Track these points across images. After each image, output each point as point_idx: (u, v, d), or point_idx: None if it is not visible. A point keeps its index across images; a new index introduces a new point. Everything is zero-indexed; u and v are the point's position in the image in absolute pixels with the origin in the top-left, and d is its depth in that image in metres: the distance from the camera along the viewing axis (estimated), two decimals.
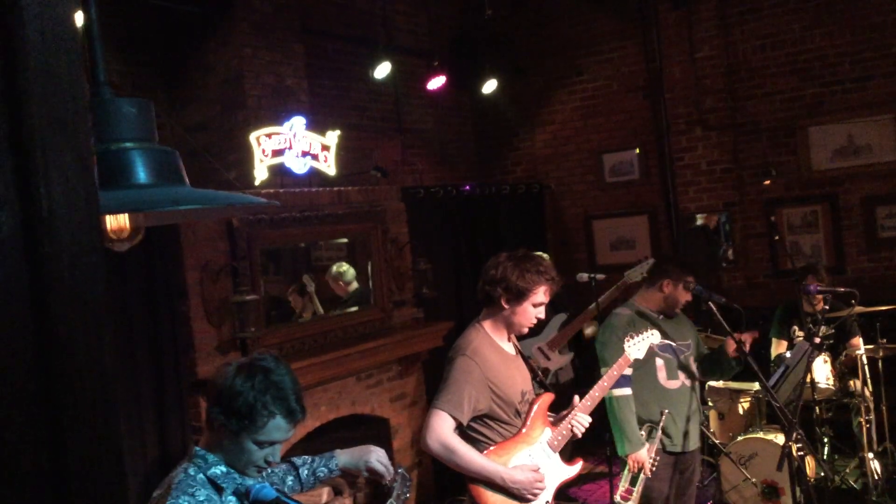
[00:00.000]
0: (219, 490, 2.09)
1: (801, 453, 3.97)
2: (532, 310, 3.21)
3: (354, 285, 5.88)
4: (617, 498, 4.04)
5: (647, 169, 7.60)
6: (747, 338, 4.03)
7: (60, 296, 0.51)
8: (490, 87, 7.42)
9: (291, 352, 5.07)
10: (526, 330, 3.31)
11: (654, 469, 3.97)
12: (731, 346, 4.05)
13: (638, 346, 3.80)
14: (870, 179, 6.72)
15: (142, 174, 1.31)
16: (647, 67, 7.53)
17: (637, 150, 7.62)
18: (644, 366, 4.05)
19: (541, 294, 3.21)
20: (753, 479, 5.28)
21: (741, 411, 5.78)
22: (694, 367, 4.25)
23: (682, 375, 4.15)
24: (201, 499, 2.03)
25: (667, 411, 4.02)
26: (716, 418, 5.81)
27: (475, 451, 3.11)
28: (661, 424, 4.02)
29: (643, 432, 4.03)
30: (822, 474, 5.41)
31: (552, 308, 6.02)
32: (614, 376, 3.65)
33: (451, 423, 3.07)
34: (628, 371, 3.96)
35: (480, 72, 7.38)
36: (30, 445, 0.50)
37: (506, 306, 3.19)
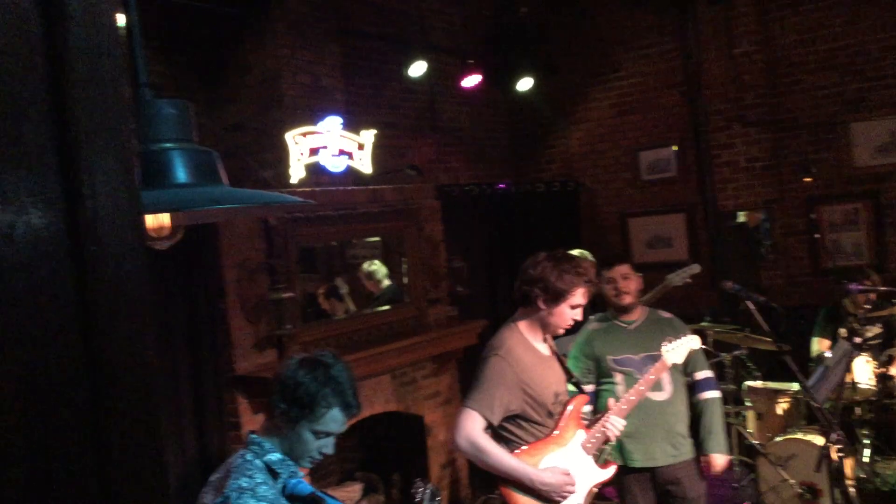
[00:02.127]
0: (274, 476, 2.19)
1: (841, 454, 3.91)
2: (569, 311, 3.16)
3: (386, 283, 5.91)
4: None
5: (685, 166, 7.53)
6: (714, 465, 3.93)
7: (105, 294, 0.53)
8: (525, 84, 7.40)
9: (327, 349, 5.10)
10: (562, 331, 3.26)
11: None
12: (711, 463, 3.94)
13: (676, 350, 3.70)
14: None
15: (181, 174, 1.34)
16: (684, 63, 7.45)
17: (674, 148, 7.55)
18: (605, 382, 3.91)
19: (579, 296, 3.15)
20: (792, 481, 5.20)
21: (780, 411, 5.71)
22: (668, 379, 3.90)
23: (668, 387, 3.88)
24: (259, 480, 2.15)
25: (620, 429, 3.55)
26: (754, 418, 5.74)
27: (505, 452, 3.08)
28: (608, 445, 3.59)
29: (607, 448, 3.62)
30: (863, 476, 5.32)
31: (590, 308, 6.00)
32: (651, 381, 3.59)
33: (481, 423, 3.05)
34: (590, 388, 3.85)
35: (515, 69, 7.37)
36: (75, 442, 0.52)
37: (542, 307, 3.15)
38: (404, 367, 5.69)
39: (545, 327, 3.23)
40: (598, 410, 3.76)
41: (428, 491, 2.69)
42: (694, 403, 4.03)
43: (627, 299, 3.98)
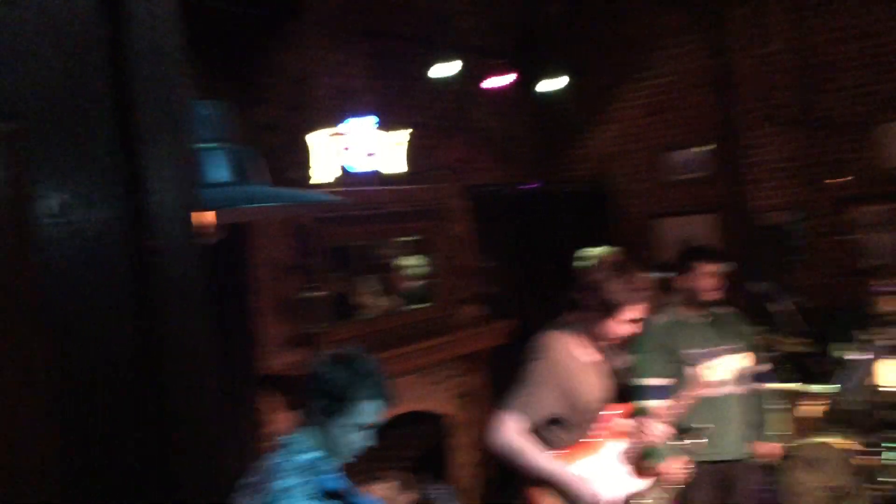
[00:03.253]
0: (315, 474, 2.20)
1: (872, 458, 3.87)
2: (622, 326, 3.07)
3: (419, 282, 5.96)
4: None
5: (715, 166, 7.47)
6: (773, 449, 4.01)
7: (164, 286, 0.55)
8: (554, 84, 7.39)
9: None
10: (612, 342, 3.20)
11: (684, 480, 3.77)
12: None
13: (714, 370, 3.65)
14: None
15: (223, 173, 1.37)
16: (714, 62, 7.39)
17: (704, 148, 7.49)
18: (679, 375, 3.87)
19: (635, 311, 3.05)
20: (820, 484, 5.15)
21: (809, 415, 5.64)
22: (743, 371, 4.00)
23: (728, 382, 3.89)
24: (301, 480, 2.16)
25: (711, 426, 3.76)
26: (781, 421, 5.67)
27: (541, 454, 3.04)
28: (703, 437, 3.75)
29: (687, 443, 3.77)
30: (891, 479, 5.25)
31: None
32: (691, 398, 3.54)
33: (518, 425, 3.03)
34: (663, 382, 3.85)
35: (544, 70, 7.36)
36: (135, 429, 0.55)
37: (594, 315, 3.06)
38: (433, 367, 5.71)
39: (595, 336, 3.15)
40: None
41: (444, 492, 2.72)
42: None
43: (717, 295, 3.99)
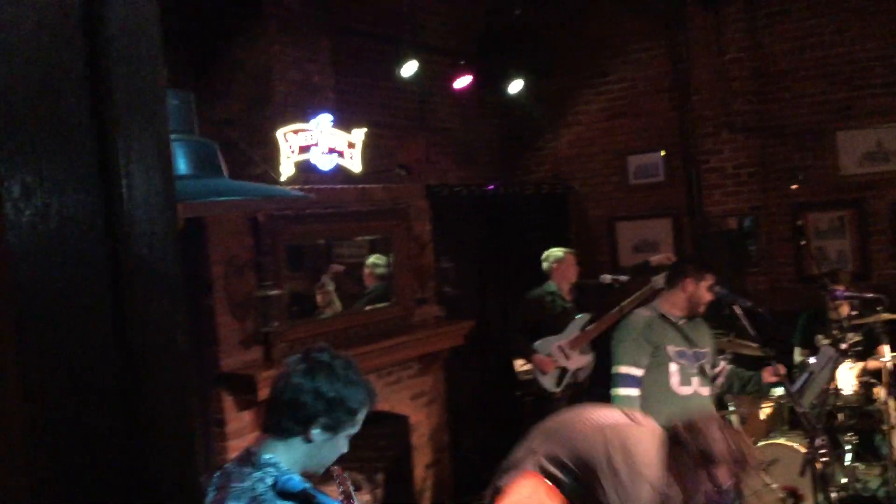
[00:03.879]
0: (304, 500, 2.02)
1: (825, 460, 3.94)
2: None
3: (379, 281, 5.93)
4: None
5: (672, 171, 7.56)
6: (782, 370, 4.15)
7: (137, 276, 0.52)
8: (516, 87, 7.41)
9: None
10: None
11: None
12: (767, 375, 4.15)
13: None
14: None
15: (182, 165, 1.33)
16: (674, 69, 7.49)
17: (662, 153, 7.58)
18: (657, 370, 4.06)
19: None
20: (774, 485, 5.23)
21: (763, 416, 5.74)
22: (710, 374, 4.23)
23: (695, 382, 4.12)
24: None
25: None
26: (737, 423, 5.76)
27: None
28: None
29: None
30: (844, 482, 5.36)
31: (576, 308, 6.03)
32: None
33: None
34: (639, 373, 4.02)
35: (506, 71, 7.38)
36: (107, 422, 0.51)
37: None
38: (390, 367, 5.67)
39: None
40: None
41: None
42: (720, 388, 4.43)
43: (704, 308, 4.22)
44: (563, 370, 5.86)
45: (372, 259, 5.94)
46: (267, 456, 2.08)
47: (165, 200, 0.54)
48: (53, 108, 0.49)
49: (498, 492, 2.88)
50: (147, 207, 0.53)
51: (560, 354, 5.85)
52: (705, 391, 4.18)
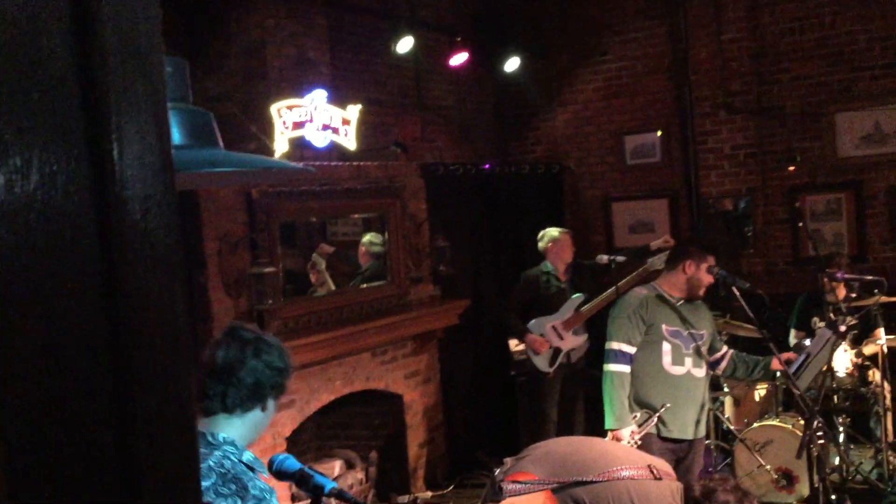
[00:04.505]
0: (252, 471, 2.08)
1: (821, 442, 3.94)
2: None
3: (374, 259, 5.88)
4: None
5: (669, 152, 7.51)
6: (792, 357, 4.19)
7: (132, 243, 0.47)
8: (512, 64, 7.34)
9: (308, 325, 5.06)
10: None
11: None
12: (776, 363, 4.16)
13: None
14: None
15: (175, 135, 1.27)
16: (672, 48, 7.42)
17: (659, 133, 7.53)
18: (650, 348, 4.08)
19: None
20: (768, 466, 5.24)
21: (757, 398, 5.74)
22: (706, 356, 4.23)
23: (688, 363, 4.13)
24: (261, 484, 2.04)
25: (667, 404, 4.00)
26: (731, 404, 5.77)
27: None
28: (659, 414, 4.00)
29: (638, 415, 4.03)
30: (837, 464, 5.37)
31: (571, 288, 6.00)
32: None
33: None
34: (631, 350, 4.06)
35: (503, 49, 7.30)
36: (94, 404, 0.46)
37: None
38: (385, 346, 5.65)
39: None
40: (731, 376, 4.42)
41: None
42: (722, 373, 4.46)
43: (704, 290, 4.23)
44: (557, 350, 5.83)
45: (367, 237, 5.89)
46: (223, 435, 2.10)
47: (162, 160, 0.48)
48: (33, 52, 0.44)
49: (504, 494, 2.88)
50: (141, 167, 0.48)
51: (553, 335, 5.81)
52: (699, 373, 4.18)
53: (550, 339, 5.81)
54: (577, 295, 5.94)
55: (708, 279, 4.13)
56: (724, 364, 4.37)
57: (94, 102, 0.46)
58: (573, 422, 5.96)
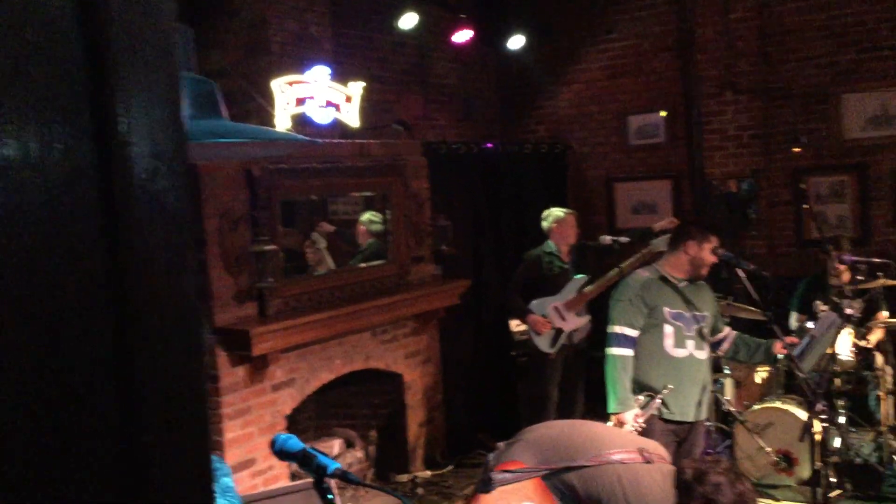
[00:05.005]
0: None
1: (824, 425, 3.92)
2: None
3: (372, 238, 5.84)
4: None
5: (674, 132, 7.45)
6: (795, 341, 4.20)
7: (138, 207, 0.43)
8: (516, 43, 7.26)
9: (308, 304, 5.03)
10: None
11: (636, 431, 3.94)
12: (779, 346, 4.15)
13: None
14: None
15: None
16: (678, 27, 7.34)
17: (663, 113, 7.46)
18: (652, 331, 4.07)
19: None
20: (768, 449, 5.24)
21: (758, 380, 5.73)
22: (708, 337, 4.22)
23: (690, 345, 4.10)
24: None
25: (670, 386, 3.99)
26: (732, 386, 5.75)
27: None
28: (660, 397, 3.99)
29: (641, 398, 4.02)
30: (838, 446, 5.37)
31: (574, 269, 5.96)
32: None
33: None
34: (634, 333, 4.05)
35: (507, 27, 7.22)
36: (97, 380, 0.43)
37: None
38: (385, 325, 5.63)
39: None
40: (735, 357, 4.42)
41: None
42: (724, 354, 4.44)
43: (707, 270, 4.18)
44: (559, 331, 5.80)
45: (367, 216, 5.85)
46: None
47: (172, 115, 0.44)
48: (41, 47, 0.40)
49: (493, 484, 2.85)
50: (149, 122, 0.44)
51: (555, 315, 5.79)
52: (701, 354, 4.16)
53: (552, 319, 5.78)
54: (580, 276, 5.91)
55: (710, 259, 4.10)
56: (726, 345, 4.37)
57: (96, 48, 0.42)
58: (574, 403, 5.94)
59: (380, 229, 5.79)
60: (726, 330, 4.41)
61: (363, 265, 5.72)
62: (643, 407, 3.99)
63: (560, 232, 5.94)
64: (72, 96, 0.42)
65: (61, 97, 0.41)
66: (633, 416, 3.95)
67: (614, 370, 4.01)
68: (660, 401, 3.98)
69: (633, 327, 4.04)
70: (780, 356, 4.41)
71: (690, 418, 4.13)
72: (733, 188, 7.17)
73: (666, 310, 4.06)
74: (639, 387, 4.05)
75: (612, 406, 4.03)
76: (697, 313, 4.13)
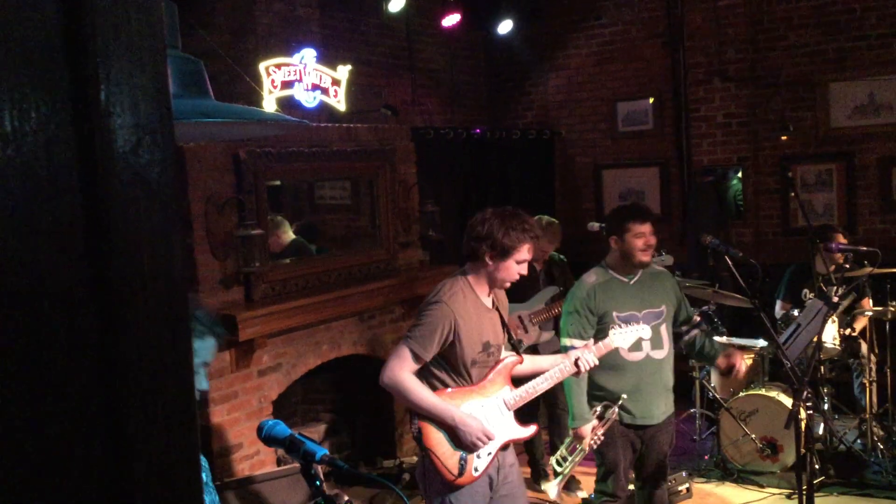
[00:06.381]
0: None
1: (809, 413, 3.92)
2: (515, 266, 3.25)
3: (290, 236, 5.59)
4: (552, 461, 4.04)
5: (662, 119, 7.45)
6: (736, 363, 4.12)
7: (121, 184, 0.41)
8: (505, 27, 7.22)
9: (295, 289, 4.99)
10: (508, 284, 3.34)
11: (596, 443, 3.85)
12: (724, 361, 4.12)
13: (624, 336, 3.69)
14: (888, 139, 6.59)
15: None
16: (667, 14, 7.32)
17: (652, 100, 7.45)
18: (603, 338, 3.80)
19: (524, 251, 3.24)
20: (753, 435, 5.27)
21: (744, 368, 5.74)
22: (666, 336, 4.00)
23: (646, 346, 3.90)
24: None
25: (624, 396, 3.84)
26: (717, 374, 5.77)
27: (429, 391, 3.18)
28: (618, 405, 3.86)
29: (598, 408, 3.87)
30: (822, 433, 5.40)
31: (547, 279, 5.67)
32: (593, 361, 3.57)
33: (412, 364, 3.15)
34: (582, 344, 3.78)
35: (496, 11, 7.18)
36: (77, 363, 0.40)
37: (490, 262, 3.23)
38: (373, 311, 5.60)
39: (492, 282, 3.31)
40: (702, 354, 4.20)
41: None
42: (684, 346, 4.21)
43: (649, 256, 3.96)
44: (518, 343, 5.45)
45: (275, 219, 5.50)
46: None
47: (157, 85, 0.42)
48: (18, 20, 0.37)
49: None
50: (131, 91, 0.41)
51: (518, 325, 5.37)
52: (659, 354, 3.96)
53: (515, 329, 5.41)
54: (551, 287, 5.56)
55: (639, 245, 3.88)
56: (690, 335, 4.18)
57: (75, 11, 0.39)
58: (534, 416, 5.55)
59: (286, 230, 5.48)
60: (696, 319, 4.22)
61: (351, 250, 5.68)
62: (601, 417, 3.86)
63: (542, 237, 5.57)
64: (48, 61, 0.39)
65: (37, 62, 0.39)
66: (590, 429, 3.82)
67: (569, 384, 3.83)
68: (617, 409, 3.86)
69: (582, 338, 3.83)
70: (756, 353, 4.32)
71: (655, 420, 4.00)
72: (720, 175, 7.18)
73: (615, 315, 3.87)
74: (597, 396, 3.92)
75: (569, 421, 3.92)
76: (652, 310, 3.93)
